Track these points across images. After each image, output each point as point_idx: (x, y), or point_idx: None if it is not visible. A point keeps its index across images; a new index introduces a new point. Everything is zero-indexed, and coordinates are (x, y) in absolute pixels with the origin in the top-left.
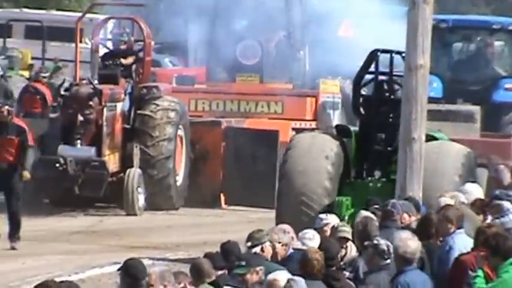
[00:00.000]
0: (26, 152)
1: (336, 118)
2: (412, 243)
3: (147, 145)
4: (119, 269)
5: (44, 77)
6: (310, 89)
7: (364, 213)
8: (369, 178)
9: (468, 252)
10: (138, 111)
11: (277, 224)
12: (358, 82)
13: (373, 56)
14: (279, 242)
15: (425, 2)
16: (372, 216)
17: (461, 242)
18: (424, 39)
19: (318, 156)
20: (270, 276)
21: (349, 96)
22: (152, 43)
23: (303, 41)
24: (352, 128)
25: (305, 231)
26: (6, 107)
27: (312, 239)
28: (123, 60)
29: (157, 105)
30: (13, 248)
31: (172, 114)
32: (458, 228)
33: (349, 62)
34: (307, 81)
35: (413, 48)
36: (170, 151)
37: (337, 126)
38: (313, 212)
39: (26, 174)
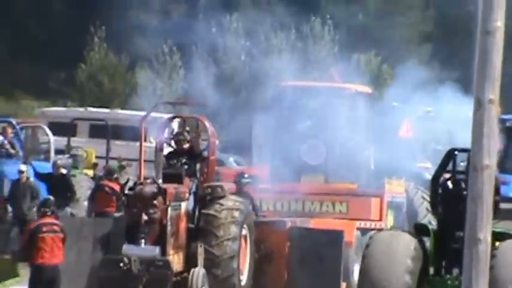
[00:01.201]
0: None
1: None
2: None
3: (211, 245)
4: None
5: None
6: (375, 189)
7: None
8: (447, 276)
9: None
10: (203, 211)
11: None
12: (436, 180)
13: (450, 154)
14: None
15: (491, 102)
16: None
17: None
18: (490, 139)
19: (397, 255)
20: None
21: (411, 196)
22: (217, 142)
23: (367, 140)
24: (430, 227)
25: None
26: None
27: None
28: (187, 160)
29: (222, 204)
30: None
31: (236, 214)
32: None
33: (410, 163)
34: (372, 181)
35: (479, 149)
36: (235, 251)
37: (415, 225)
38: None
39: None
